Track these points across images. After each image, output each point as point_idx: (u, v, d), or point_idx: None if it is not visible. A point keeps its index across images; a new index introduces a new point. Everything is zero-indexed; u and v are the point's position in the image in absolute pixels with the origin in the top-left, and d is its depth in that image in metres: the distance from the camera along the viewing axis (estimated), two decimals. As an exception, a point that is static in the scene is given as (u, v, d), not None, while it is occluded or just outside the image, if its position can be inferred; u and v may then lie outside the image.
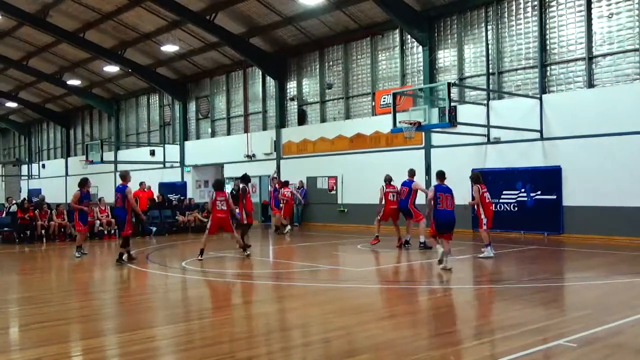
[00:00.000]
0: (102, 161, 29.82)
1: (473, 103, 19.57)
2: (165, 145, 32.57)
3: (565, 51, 17.75)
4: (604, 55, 16.96)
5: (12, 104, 42.54)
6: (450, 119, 16.36)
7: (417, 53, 21.46)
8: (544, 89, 18.11)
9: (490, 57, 19.36)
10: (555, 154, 17.60)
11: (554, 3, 17.94)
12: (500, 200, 18.70)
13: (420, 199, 15.07)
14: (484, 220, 13.39)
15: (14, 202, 22.84)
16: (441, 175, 12.09)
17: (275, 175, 24.26)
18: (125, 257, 13.27)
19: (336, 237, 18.68)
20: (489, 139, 19.08)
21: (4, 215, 20.75)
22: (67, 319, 7.82)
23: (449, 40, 20.56)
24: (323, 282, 10.75)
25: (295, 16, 23.27)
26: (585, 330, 6.48)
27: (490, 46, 19.36)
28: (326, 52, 24.77)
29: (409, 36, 21.42)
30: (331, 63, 24.68)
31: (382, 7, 20.33)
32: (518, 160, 18.36)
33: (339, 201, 23.75)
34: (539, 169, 17.88)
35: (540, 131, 17.86)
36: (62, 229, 20.01)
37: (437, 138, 20.32)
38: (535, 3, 18.21)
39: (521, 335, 6.33)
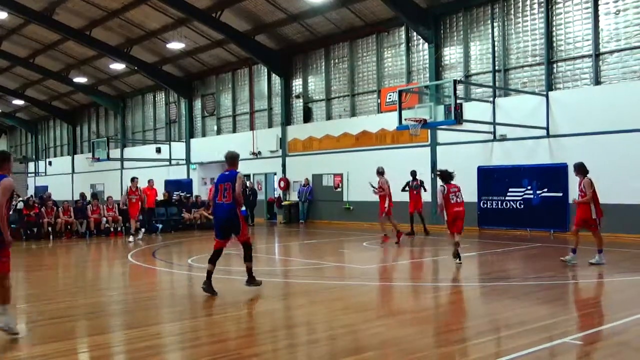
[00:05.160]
0: (108, 158, 29.95)
1: (479, 100, 19.54)
2: (171, 143, 32.65)
3: (571, 48, 17.69)
4: (611, 52, 16.88)
5: (19, 102, 42.72)
6: (456, 116, 16.34)
7: (422, 50, 21.42)
8: (550, 86, 18.05)
9: (496, 54, 19.30)
10: (561, 151, 17.54)
11: (560, 0, 17.88)
12: (506, 198, 18.68)
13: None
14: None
15: (19, 199, 22.89)
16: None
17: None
18: None
19: (342, 235, 18.71)
20: (495, 136, 19.04)
21: (11, 212, 20.79)
22: (74, 316, 7.87)
23: (455, 38, 20.52)
24: (328, 280, 10.77)
25: (301, 13, 23.26)
26: (591, 328, 6.48)
27: (496, 43, 19.31)
28: (332, 49, 24.75)
29: (414, 33, 21.38)
30: (337, 60, 24.67)
31: (387, 4, 20.30)
32: (524, 157, 18.31)
33: (345, 199, 23.76)
34: (545, 166, 17.84)
35: (547, 128, 17.82)
36: (69, 226, 20.10)
37: (442, 135, 20.29)
38: (542, 0, 18.14)
39: (526, 333, 6.33)
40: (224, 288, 9.36)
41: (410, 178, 18.38)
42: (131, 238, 17.98)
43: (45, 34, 29.44)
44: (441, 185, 12.13)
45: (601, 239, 11.38)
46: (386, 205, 15.66)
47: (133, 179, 19.68)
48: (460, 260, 11.63)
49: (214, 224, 9.72)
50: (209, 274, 8.80)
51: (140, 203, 19.09)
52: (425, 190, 18.57)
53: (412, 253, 14.89)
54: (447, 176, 12.12)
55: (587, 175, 11.66)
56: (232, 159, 9.24)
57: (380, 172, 16.12)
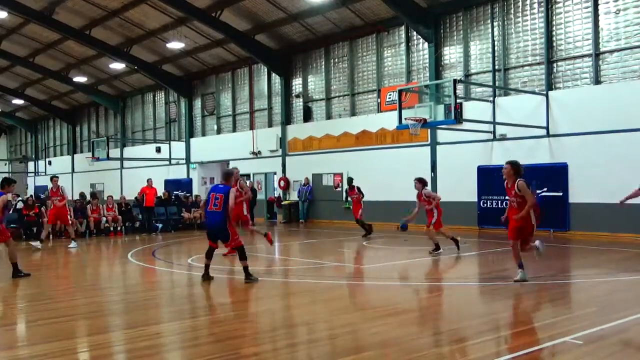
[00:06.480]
0: (108, 158, 29.96)
1: (479, 100, 19.53)
2: (171, 142, 32.65)
3: (571, 47, 17.69)
4: (611, 52, 16.89)
5: (18, 101, 42.71)
6: (456, 116, 16.36)
7: (422, 50, 21.42)
8: (550, 85, 18.05)
9: (496, 54, 19.29)
10: (561, 151, 17.55)
11: (560, -1, 17.89)
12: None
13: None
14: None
15: (19, 199, 22.83)
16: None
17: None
18: None
19: (342, 234, 18.69)
20: (494, 135, 19.04)
21: (10, 212, 20.75)
22: (74, 315, 7.86)
23: (455, 37, 20.51)
24: (329, 279, 10.76)
25: (301, 13, 23.26)
26: (591, 328, 6.47)
27: (496, 43, 19.30)
28: (332, 49, 24.75)
29: (414, 33, 21.38)
30: (337, 60, 24.67)
31: (387, 4, 20.30)
32: (524, 157, 18.11)
33: (345, 198, 23.75)
34: (545, 166, 17.83)
35: (547, 128, 17.82)
36: (69, 226, 20.05)
37: (442, 135, 20.28)
38: (542, -1, 18.16)
39: (527, 333, 6.33)
40: (223, 288, 9.37)
41: (347, 186, 18.48)
42: (38, 243, 15.97)
43: (45, 33, 29.42)
44: (425, 188, 13.25)
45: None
46: (245, 212, 13.80)
47: (52, 178, 17.14)
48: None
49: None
50: (206, 267, 9.95)
51: (65, 204, 16.38)
52: (363, 195, 18.12)
53: (411, 253, 14.87)
54: (426, 182, 13.37)
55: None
56: (226, 175, 10.29)
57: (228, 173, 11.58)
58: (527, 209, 9.06)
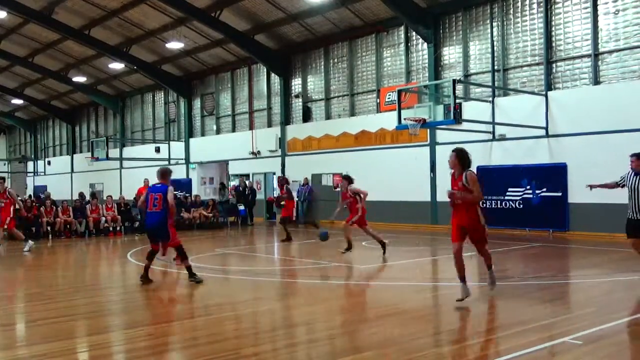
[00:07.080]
0: (107, 158, 29.95)
1: (478, 100, 19.54)
2: (170, 142, 32.62)
3: (571, 48, 17.70)
4: (610, 52, 16.90)
5: (18, 101, 42.67)
6: (455, 116, 16.37)
7: (422, 50, 21.43)
8: (549, 85, 18.06)
9: (495, 54, 19.30)
10: (560, 151, 17.56)
11: (559, 0, 17.91)
12: (506, 198, 18.68)
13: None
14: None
15: (18, 199, 22.73)
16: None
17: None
18: None
19: (341, 235, 18.68)
20: (494, 136, 19.05)
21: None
22: (73, 315, 7.86)
23: (454, 37, 20.52)
24: (328, 279, 10.77)
25: (300, 13, 23.26)
26: (591, 328, 6.48)
27: (495, 43, 19.31)
28: (331, 49, 24.75)
29: (414, 33, 21.39)
30: (336, 60, 24.67)
31: (387, 4, 20.31)
32: (523, 157, 18.33)
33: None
34: (544, 166, 17.85)
35: (546, 128, 17.83)
36: (68, 226, 20.08)
37: (442, 135, 20.28)
38: (541, 0, 18.16)
39: (526, 333, 6.33)
40: (222, 288, 9.37)
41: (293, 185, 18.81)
42: (27, 247, 15.13)
43: (45, 33, 29.40)
44: (352, 185, 13.25)
45: None
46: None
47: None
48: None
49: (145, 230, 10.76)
50: (146, 268, 9.85)
51: (12, 208, 15.31)
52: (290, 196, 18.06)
53: (411, 253, 14.89)
54: (352, 179, 13.36)
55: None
56: (163, 173, 10.11)
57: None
58: (471, 200, 7.82)
